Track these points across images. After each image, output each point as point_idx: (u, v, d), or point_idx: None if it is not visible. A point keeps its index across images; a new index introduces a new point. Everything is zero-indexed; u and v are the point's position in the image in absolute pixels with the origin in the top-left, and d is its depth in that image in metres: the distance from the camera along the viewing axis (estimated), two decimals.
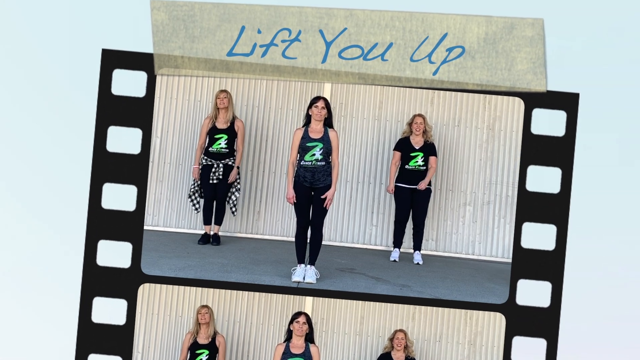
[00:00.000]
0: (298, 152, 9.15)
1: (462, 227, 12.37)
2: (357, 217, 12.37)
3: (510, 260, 11.42)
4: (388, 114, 12.34)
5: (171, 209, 12.24)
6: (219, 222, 11.42)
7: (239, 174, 11.43)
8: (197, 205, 11.43)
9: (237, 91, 12.15)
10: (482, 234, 12.36)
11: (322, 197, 8.97)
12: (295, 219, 9.32)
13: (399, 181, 11.42)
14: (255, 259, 10.14)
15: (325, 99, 9.22)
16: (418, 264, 11.09)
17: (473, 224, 12.36)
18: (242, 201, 12.15)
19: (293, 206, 9.26)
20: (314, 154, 8.99)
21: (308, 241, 9.19)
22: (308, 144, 9.02)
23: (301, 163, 9.07)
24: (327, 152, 9.06)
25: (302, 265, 9.04)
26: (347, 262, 10.55)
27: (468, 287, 9.57)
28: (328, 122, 9.22)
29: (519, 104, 11.80)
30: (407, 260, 11.24)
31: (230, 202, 11.39)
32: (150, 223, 12.17)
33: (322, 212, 9.12)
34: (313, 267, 9.06)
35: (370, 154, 12.35)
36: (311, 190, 9.08)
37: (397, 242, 11.45)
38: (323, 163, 9.03)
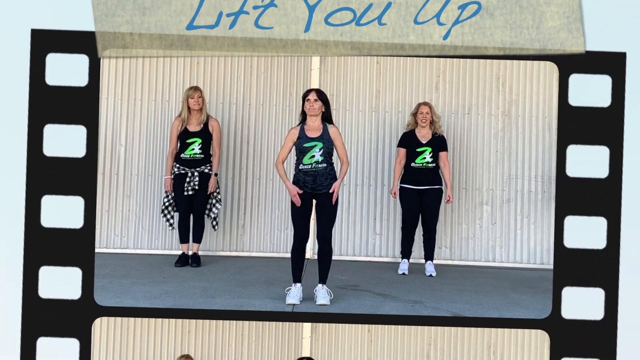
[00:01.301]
0: (296, 155, 8.71)
1: (479, 231, 12.06)
2: (358, 226, 12.05)
3: (536, 266, 11.80)
4: (387, 104, 12.05)
5: (142, 228, 11.92)
6: (197, 239, 11.01)
7: (218, 182, 11.05)
8: (171, 221, 11.06)
9: (210, 87, 11.91)
10: (502, 237, 12.03)
11: (330, 191, 8.53)
12: (293, 231, 8.90)
13: (404, 182, 11.01)
14: (242, 280, 9.80)
15: (318, 90, 8.85)
16: (431, 275, 10.71)
17: (492, 226, 12.04)
18: (224, 214, 11.87)
19: (291, 216, 8.86)
20: (313, 156, 8.53)
21: (315, 257, 9.02)
22: (306, 145, 8.55)
23: (299, 167, 8.64)
24: (329, 153, 8.63)
25: (298, 285, 8.60)
26: (349, 278, 10.23)
27: (491, 299, 9.14)
28: (326, 117, 8.76)
29: (549, 72, 11.63)
30: (418, 273, 10.87)
31: (211, 215, 11.03)
32: (119, 245, 11.91)
33: (329, 221, 8.69)
34: (325, 286, 8.59)
35: (369, 151, 12.08)
36: (312, 197, 8.64)
37: (406, 252, 11.06)
38: (324, 165, 8.57)
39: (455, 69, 11.99)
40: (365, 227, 11.98)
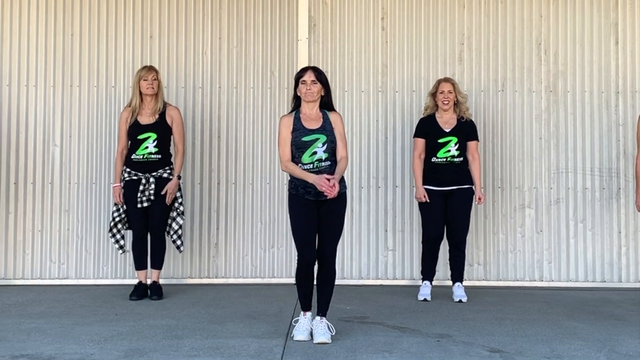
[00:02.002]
0: (293, 152, 8.59)
1: (521, 242, 12.13)
2: (365, 240, 12.14)
3: (597, 284, 11.78)
4: (397, 82, 12.16)
5: (86, 252, 11.98)
6: (158, 265, 11.02)
7: (181, 188, 11.08)
8: (121, 243, 11.04)
9: (168, 66, 12.01)
10: (552, 249, 12.10)
11: (328, 178, 8.26)
12: (295, 251, 8.74)
13: (424, 182, 11.00)
14: (217, 315, 9.76)
15: (316, 69, 8.72)
16: (460, 301, 10.78)
17: (537, 235, 12.11)
18: (191, 230, 11.98)
19: (292, 230, 8.70)
20: (314, 152, 8.49)
21: (315, 281, 8.66)
22: (305, 139, 8.51)
23: (299, 166, 8.55)
24: (334, 148, 8.58)
25: (309, 314, 8.61)
26: (355, 308, 10.22)
27: (539, 330, 9.07)
28: (326, 103, 8.73)
29: (606, 33, 11.63)
30: (445, 298, 10.95)
31: (172, 232, 11.01)
32: (57, 275, 11.94)
33: (334, 235, 8.62)
34: (324, 319, 8.58)
35: (376, 143, 12.15)
36: (316, 204, 8.55)
37: (428, 273, 11.08)
38: (329, 163, 8.53)
39: (484, 33, 12.06)
40: (375, 242, 12.03)
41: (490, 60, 12.09)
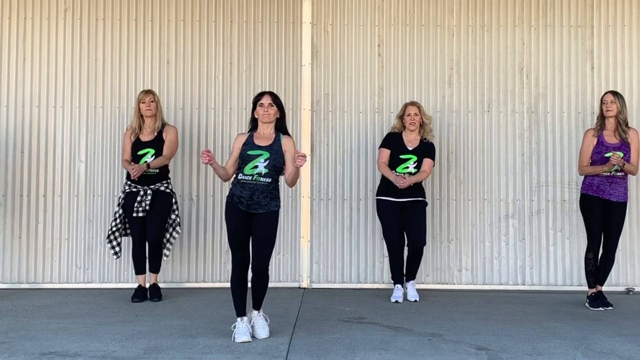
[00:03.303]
0: (237, 162, 8.61)
1: (505, 249, 12.13)
2: (362, 248, 12.12)
3: (574, 288, 11.74)
4: (391, 104, 12.14)
5: (108, 258, 11.89)
6: (155, 268, 10.99)
7: (176, 202, 11.07)
8: (117, 249, 10.97)
9: (183, 89, 12.00)
10: (533, 255, 12.11)
11: (298, 157, 8.30)
12: (232, 258, 8.63)
13: (382, 193, 11.07)
14: (228, 316, 9.58)
15: (272, 94, 8.76)
16: (415, 301, 10.84)
17: (520, 242, 12.11)
18: (204, 238, 11.95)
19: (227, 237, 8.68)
20: (256, 166, 8.47)
21: (250, 286, 8.62)
22: (250, 152, 8.52)
23: (238, 177, 8.57)
24: (275, 167, 8.53)
25: (245, 318, 8.50)
26: (353, 310, 10.22)
27: (521, 329, 9.07)
28: (280, 127, 8.74)
29: (582, 59, 11.65)
30: (438, 299, 10.97)
31: (166, 242, 11.02)
32: (82, 279, 11.91)
33: (266, 251, 8.52)
34: (261, 312, 8.62)
35: (372, 159, 12.05)
36: (248, 216, 8.50)
37: (398, 277, 11.10)
38: (268, 180, 8.49)
39: (471, 59, 12.07)
40: (371, 249, 12.02)
41: (477, 83, 12.10)
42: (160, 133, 10.81)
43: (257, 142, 8.49)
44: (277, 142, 8.51)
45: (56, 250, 11.79)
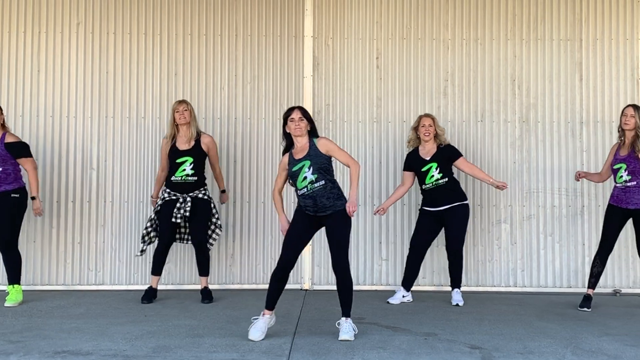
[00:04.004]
0: (288, 181, 8.73)
1: (497, 253, 12.14)
2: (362, 251, 12.12)
3: (563, 290, 11.78)
4: (389, 114, 12.16)
5: (119, 261, 11.95)
6: (205, 272, 10.96)
7: (215, 206, 11.08)
8: (144, 248, 10.92)
9: (190, 100, 11.83)
10: (524, 258, 12.11)
11: (348, 209, 8.41)
12: (280, 254, 8.69)
13: (422, 203, 11.03)
14: (233, 316, 9.73)
15: (301, 108, 8.77)
16: (457, 305, 10.73)
17: (512, 246, 12.11)
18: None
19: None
20: (305, 178, 8.52)
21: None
22: (294, 169, 8.57)
23: (297, 193, 8.65)
24: (321, 168, 8.54)
25: (268, 314, 8.50)
26: (353, 310, 9.79)
27: (513, 329, 9.08)
28: (312, 133, 8.75)
29: (571, 71, 11.64)
30: (431, 301, 10.98)
31: (211, 240, 11.00)
32: (94, 281, 11.91)
33: (340, 247, 8.55)
34: (349, 319, 8.55)
35: (372, 167, 12.13)
36: (317, 221, 8.63)
37: (406, 280, 11.07)
38: (322, 183, 8.51)
39: (465, 71, 12.08)
40: (370, 252, 12.02)
41: (470, 94, 12.10)
42: (197, 142, 10.74)
43: (296, 156, 8.52)
44: (312, 147, 8.52)
45: (69, 254, 11.80)
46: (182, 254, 11.68)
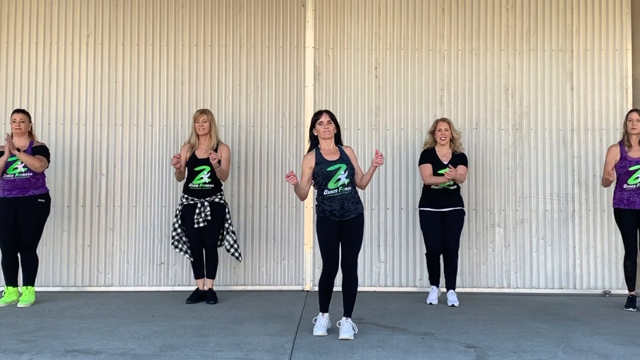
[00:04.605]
0: (316, 182, 8.64)
1: (491, 255, 12.13)
2: (361, 253, 11.56)
3: (555, 291, 11.80)
4: (387, 121, 12.16)
5: (127, 263, 11.95)
6: (212, 274, 10.98)
7: (229, 212, 11.03)
8: (184, 252, 10.94)
9: (196, 108, 11.79)
10: (517, 261, 12.10)
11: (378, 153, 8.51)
12: (323, 264, 8.72)
13: (424, 204, 11.02)
14: (237, 316, 9.74)
15: (328, 112, 8.80)
16: (453, 305, 10.71)
17: (505, 249, 12.10)
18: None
19: (319, 247, 8.70)
20: (338, 179, 8.55)
21: (341, 288, 8.69)
22: (330, 169, 8.56)
23: (324, 193, 8.59)
24: (353, 174, 8.65)
25: (326, 314, 8.68)
26: (353, 311, 9.96)
27: (507, 329, 9.09)
28: (337, 139, 8.80)
29: (562, 81, 11.65)
30: (427, 301, 10.94)
31: (227, 245, 10.96)
32: (103, 283, 11.91)
33: (356, 248, 8.66)
34: (350, 319, 8.61)
35: None
36: (340, 225, 8.60)
37: (434, 279, 11.06)
38: (350, 188, 8.60)
39: (460, 80, 12.09)
40: (369, 255, 11.98)
41: (465, 103, 12.10)
42: (215, 151, 10.69)
43: (328, 157, 8.55)
44: (343, 153, 8.62)
45: (79, 256, 11.81)
46: (187, 257, 11.66)
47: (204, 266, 10.86)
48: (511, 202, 12.07)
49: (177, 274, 11.74)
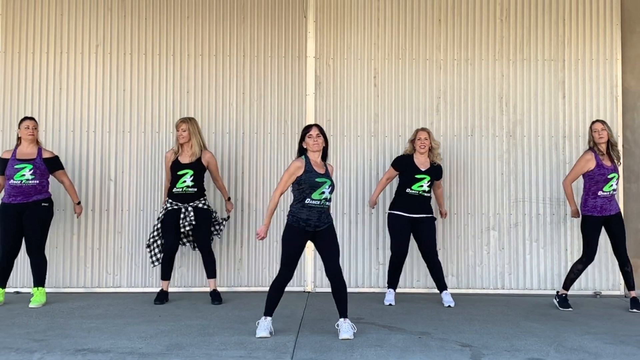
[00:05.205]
0: (300, 189, 8.60)
1: (487, 257, 12.12)
2: (360, 256, 12.11)
3: (547, 292, 11.77)
4: (386, 129, 12.16)
5: (135, 265, 11.94)
6: (212, 274, 10.97)
7: (211, 208, 11.08)
8: (154, 258, 10.99)
9: (202, 116, 11.98)
10: (511, 263, 12.10)
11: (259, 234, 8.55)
12: (281, 268, 8.64)
13: (396, 208, 10.98)
14: (241, 316, 9.77)
15: (318, 126, 8.80)
16: (449, 306, 10.72)
17: (500, 251, 12.11)
18: (220, 248, 11.95)
19: (284, 254, 8.59)
20: (323, 192, 8.58)
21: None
22: (318, 180, 8.57)
23: (306, 202, 8.56)
24: (332, 192, 8.71)
25: (269, 318, 8.56)
26: (352, 311, 9.98)
27: (501, 328, 9.11)
28: (324, 155, 8.80)
29: (555, 89, 11.66)
30: (424, 302, 10.96)
31: (215, 233, 11.11)
32: (112, 284, 11.92)
33: (337, 254, 8.64)
34: (347, 319, 8.60)
35: (369, 178, 12.10)
36: (309, 235, 8.60)
37: (392, 282, 11.08)
38: (329, 203, 8.70)
39: (456, 89, 12.10)
40: (368, 257, 12.01)
41: (461, 110, 12.11)
42: (199, 157, 10.78)
43: (317, 169, 8.54)
44: (327, 171, 8.65)
45: (89, 259, 11.82)
46: (193, 258, 11.68)
47: (173, 269, 10.97)
48: (505, 206, 12.07)
49: (183, 276, 11.74)
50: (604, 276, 11.93)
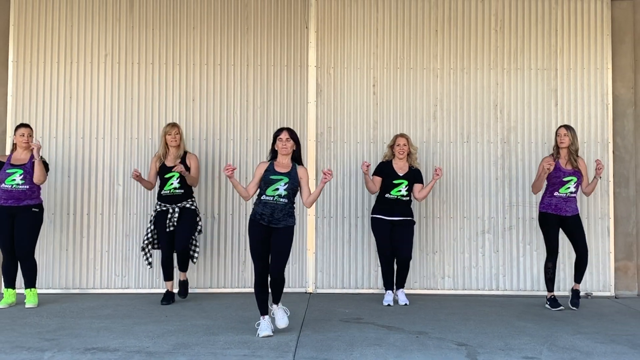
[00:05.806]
0: (259, 186, 8.78)
1: (482, 260, 12.11)
2: (360, 258, 12.11)
3: (540, 293, 11.70)
4: (385, 135, 12.11)
5: (143, 267, 11.86)
6: (184, 268, 11.12)
7: (200, 217, 11.15)
8: (150, 260, 10.98)
9: (207, 123, 12.04)
10: (505, 265, 12.10)
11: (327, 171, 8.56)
12: (253, 264, 8.77)
13: (376, 212, 11.10)
14: (245, 316, 9.75)
15: (289, 130, 8.92)
16: (405, 304, 10.80)
17: (494, 254, 12.10)
18: (224, 250, 11.96)
19: (250, 251, 8.78)
20: (277, 189, 8.64)
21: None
22: (272, 177, 8.68)
23: (261, 198, 8.70)
24: (293, 190, 8.74)
25: (267, 317, 8.63)
26: (352, 311, 10.22)
27: (496, 328, 9.12)
28: (296, 157, 8.90)
29: (548, 97, 11.64)
30: (424, 303, 10.97)
31: (192, 253, 11.10)
32: (120, 285, 11.93)
33: (283, 259, 8.68)
34: (280, 305, 8.80)
35: None
36: (268, 231, 8.65)
37: (388, 284, 11.10)
38: (285, 201, 8.67)
39: (452, 97, 12.11)
40: (367, 260, 11.99)
41: (457, 118, 12.11)
42: (183, 159, 10.84)
43: (277, 169, 8.65)
44: (294, 170, 8.69)
45: (98, 261, 11.82)
46: (198, 261, 11.63)
47: (173, 269, 10.97)
48: (500, 210, 12.07)
49: (189, 277, 11.72)
50: (594, 278, 11.93)
